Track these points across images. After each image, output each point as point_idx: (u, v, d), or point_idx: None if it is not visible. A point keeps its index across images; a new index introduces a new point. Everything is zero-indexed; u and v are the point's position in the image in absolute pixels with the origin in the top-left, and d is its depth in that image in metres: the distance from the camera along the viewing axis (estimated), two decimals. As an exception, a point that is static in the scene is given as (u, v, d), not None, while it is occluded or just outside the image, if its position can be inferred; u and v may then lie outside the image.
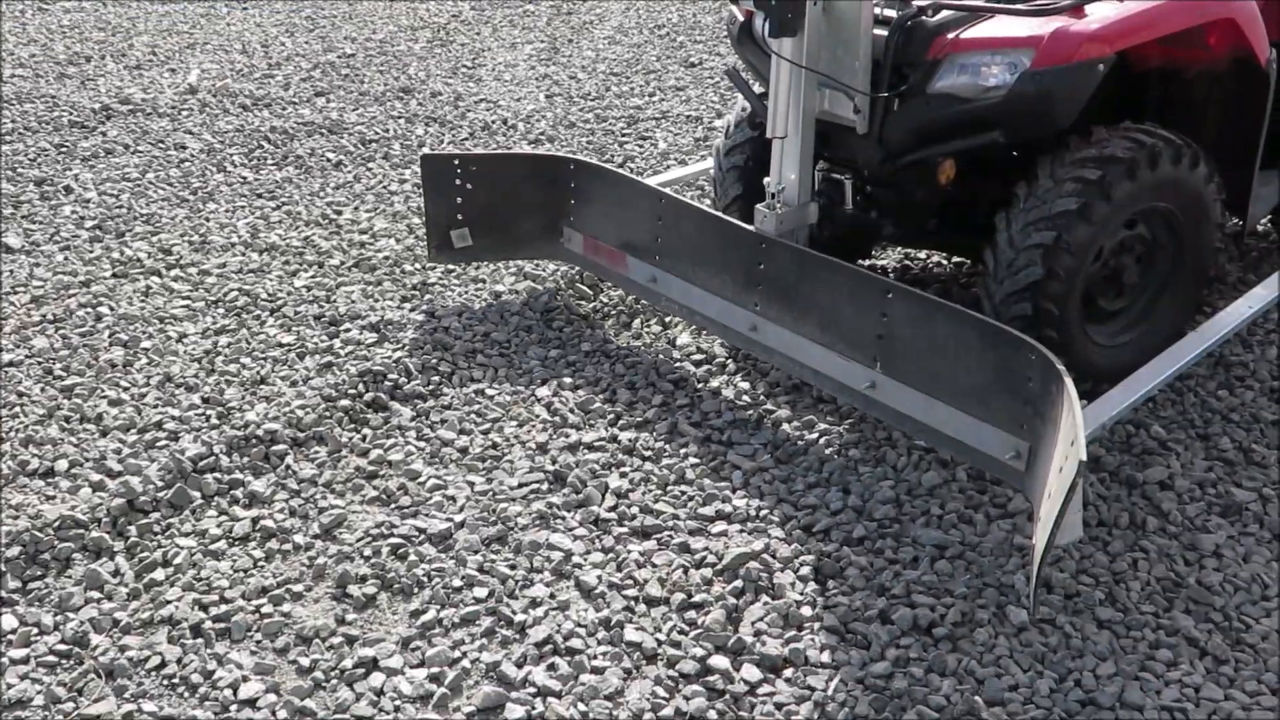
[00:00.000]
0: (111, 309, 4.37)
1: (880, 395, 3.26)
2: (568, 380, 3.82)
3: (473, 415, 3.63)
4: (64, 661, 2.65)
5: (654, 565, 2.96)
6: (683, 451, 3.43)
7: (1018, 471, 2.92)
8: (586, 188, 4.19)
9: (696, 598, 2.83)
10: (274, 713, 2.50)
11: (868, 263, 4.60)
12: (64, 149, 6.18)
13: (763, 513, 3.15)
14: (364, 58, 8.11)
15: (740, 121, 4.21)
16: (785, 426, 3.53)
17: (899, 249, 4.70)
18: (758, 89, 4.04)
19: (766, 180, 3.65)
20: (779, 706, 2.52)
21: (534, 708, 2.51)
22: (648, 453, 3.43)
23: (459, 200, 4.22)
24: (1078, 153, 3.35)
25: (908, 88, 3.43)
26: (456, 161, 4.21)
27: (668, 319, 4.21)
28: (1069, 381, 2.64)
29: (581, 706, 2.51)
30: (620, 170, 4.44)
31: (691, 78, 7.56)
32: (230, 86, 7.29)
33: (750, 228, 3.63)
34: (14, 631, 2.73)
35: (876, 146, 3.55)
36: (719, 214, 3.86)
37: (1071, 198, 3.26)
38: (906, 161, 3.54)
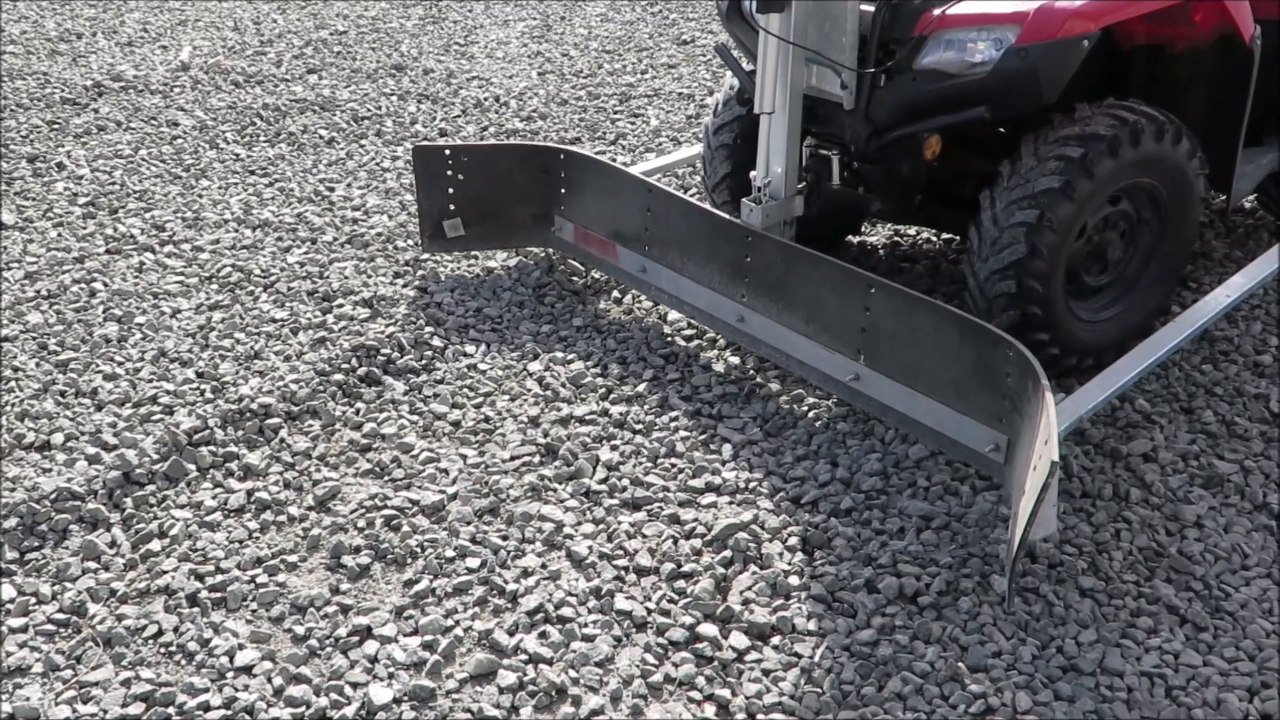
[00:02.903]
0: (105, 285, 4.39)
1: (864, 387, 3.31)
2: (560, 354, 3.85)
3: (465, 389, 3.66)
4: (62, 630, 2.69)
5: (644, 536, 3.00)
6: (673, 425, 3.47)
7: (997, 464, 2.98)
8: (577, 178, 4.22)
9: (686, 567, 2.88)
10: (270, 679, 2.54)
11: (858, 240, 4.64)
12: (56, 126, 6.18)
13: (752, 485, 3.20)
14: (356, 35, 8.10)
15: (729, 100, 4.23)
16: (775, 401, 3.57)
17: (889, 226, 4.74)
18: (747, 66, 4.06)
19: (753, 174, 3.68)
20: (766, 673, 2.57)
21: (526, 674, 2.55)
22: (638, 426, 3.46)
23: (451, 190, 4.26)
24: (1060, 130, 3.37)
25: (894, 64, 3.46)
26: (448, 152, 4.24)
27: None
28: (1044, 380, 2.68)
29: (573, 673, 2.56)
30: (610, 161, 4.46)
31: (684, 55, 7.57)
32: (223, 63, 7.28)
33: (737, 220, 3.68)
34: (12, 601, 2.76)
35: (863, 122, 3.58)
36: (706, 206, 3.90)
37: (1054, 175, 3.29)
38: (893, 137, 3.57)
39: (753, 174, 3.69)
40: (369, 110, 6.44)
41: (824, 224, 4.19)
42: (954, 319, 3.05)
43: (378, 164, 5.64)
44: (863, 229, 4.67)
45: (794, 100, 3.57)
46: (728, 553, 2.92)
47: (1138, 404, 3.55)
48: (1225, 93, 3.74)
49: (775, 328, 3.55)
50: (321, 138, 6.01)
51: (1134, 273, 3.72)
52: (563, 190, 4.28)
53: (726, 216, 3.74)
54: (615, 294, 4.27)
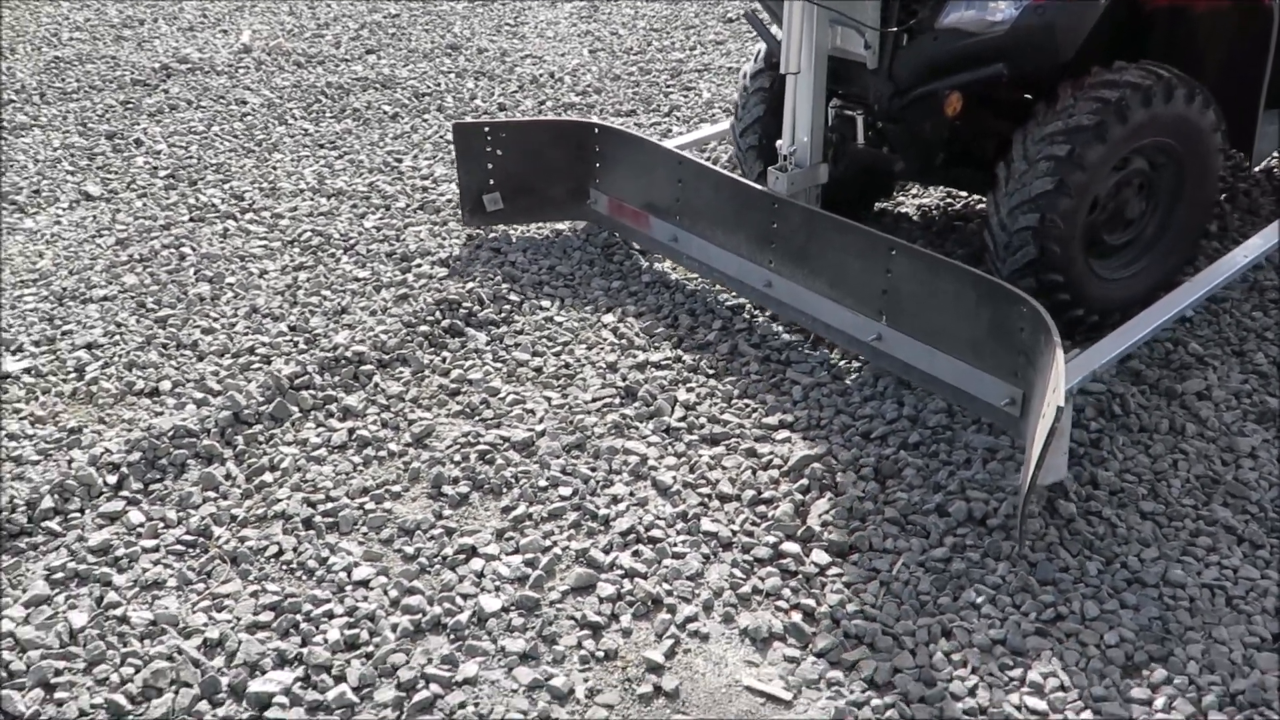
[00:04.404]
0: (193, 249, 4.61)
1: (886, 346, 3.41)
2: (631, 308, 4.03)
3: (544, 339, 3.85)
4: (190, 550, 2.90)
5: (724, 468, 3.18)
6: (744, 369, 3.64)
7: (1013, 417, 3.06)
8: (611, 151, 4.36)
9: (765, 494, 3.05)
10: (386, 592, 2.74)
11: (894, 207, 4.79)
12: (130, 105, 6.42)
13: (822, 422, 3.37)
14: (408, 17, 8.30)
15: (761, 54, 4.38)
16: (839, 349, 3.73)
17: (928, 194, 4.88)
18: (775, 31, 4.20)
19: (779, 142, 3.80)
20: (847, 585, 2.74)
21: (623, 587, 2.73)
22: (711, 371, 3.64)
23: (490, 166, 4.42)
24: (1099, 77, 3.47)
25: (916, 23, 3.58)
26: (487, 129, 4.41)
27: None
28: (1055, 332, 2.77)
29: (666, 586, 2.74)
30: (642, 134, 4.60)
31: (730, 32, 7.72)
32: (284, 46, 7.51)
33: (763, 189, 3.79)
34: (141, 525, 2.98)
35: (886, 81, 3.69)
36: (735, 176, 4.00)
37: (1089, 115, 3.38)
38: (915, 95, 3.66)
39: (779, 143, 3.80)
40: (429, 87, 6.64)
41: (854, 188, 4.32)
42: (971, 278, 3.14)
43: (441, 136, 5.83)
44: (896, 197, 4.82)
45: (819, 61, 3.67)
46: (804, 481, 3.09)
47: (1190, 347, 3.70)
48: (1246, 54, 3.78)
49: (801, 292, 3.65)
50: (386, 113, 6.22)
51: (1153, 232, 3.79)
52: (597, 164, 4.42)
53: (754, 185, 3.86)
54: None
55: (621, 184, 4.35)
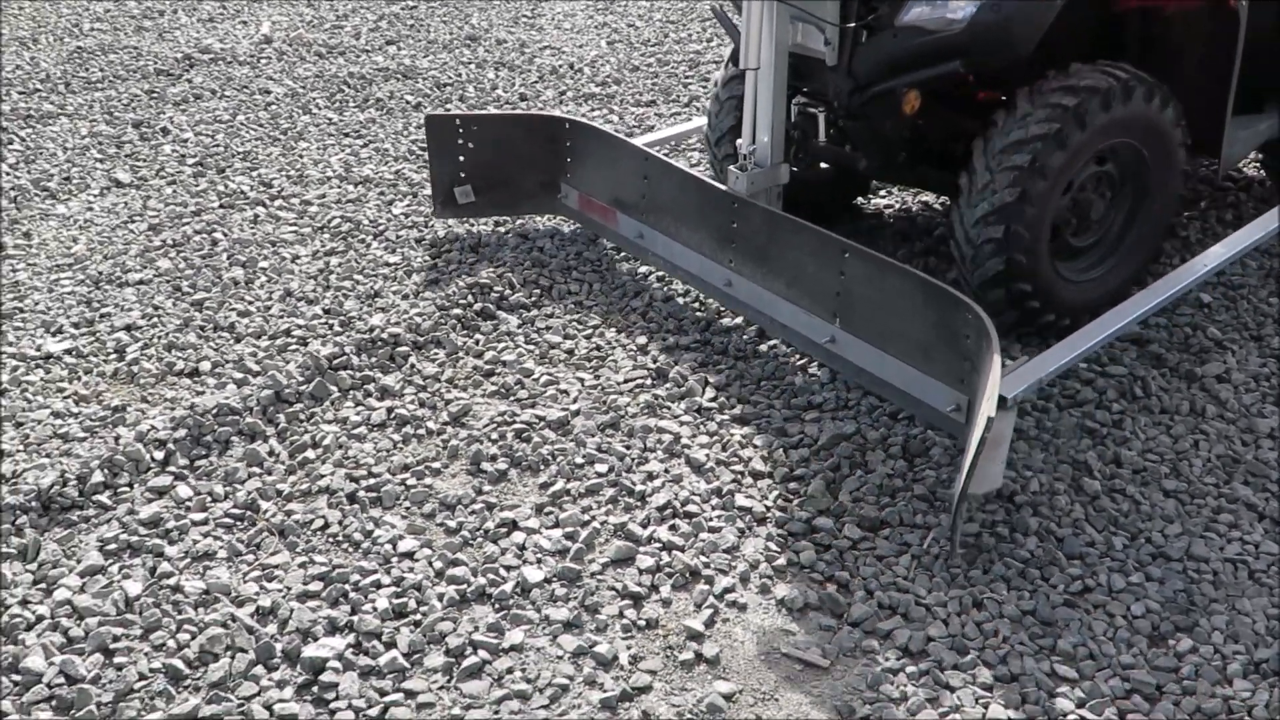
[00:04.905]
0: (225, 234, 4.69)
1: (839, 349, 3.38)
2: (659, 291, 4.11)
3: (575, 322, 3.93)
4: (239, 523, 2.98)
5: (755, 446, 3.25)
6: (771, 352, 3.71)
7: (959, 424, 3.01)
8: (581, 146, 4.34)
9: (797, 472, 3.13)
10: (430, 564, 2.81)
11: (873, 204, 4.84)
12: (155, 94, 6.50)
13: (850, 403, 3.44)
14: (426, 9, 8.37)
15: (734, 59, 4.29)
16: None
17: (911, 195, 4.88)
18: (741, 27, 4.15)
19: (739, 141, 3.75)
20: (880, 558, 2.82)
21: (661, 559, 2.81)
22: (739, 353, 3.72)
23: (461, 159, 4.39)
24: (1055, 82, 3.44)
25: (876, 19, 3.55)
26: (459, 121, 4.38)
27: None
28: (994, 339, 2.75)
29: (703, 558, 2.82)
30: (611, 130, 4.57)
31: (746, 24, 7.78)
32: (304, 36, 7.58)
33: (724, 188, 3.77)
34: (190, 499, 3.06)
35: (845, 78, 3.66)
36: (697, 174, 3.98)
37: (1048, 122, 3.36)
38: (874, 93, 3.63)
39: (739, 141, 3.75)
40: (450, 78, 6.71)
41: (828, 186, 4.33)
42: (919, 282, 3.10)
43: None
44: (874, 194, 4.82)
45: (779, 58, 3.61)
46: (834, 459, 3.17)
47: (1209, 332, 3.77)
48: (1215, 57, 3.75)
49: (760, 292, 3.63)
50: (409, 102, 6.29)
51: (1117, 234, 3.78)
52: (568, 159, 4.39)
53: (715, 184, 3.85)
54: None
55: (591, 179, 4.33)
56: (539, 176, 4.48)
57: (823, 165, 4.19)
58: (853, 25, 3.59)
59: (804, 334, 3.49)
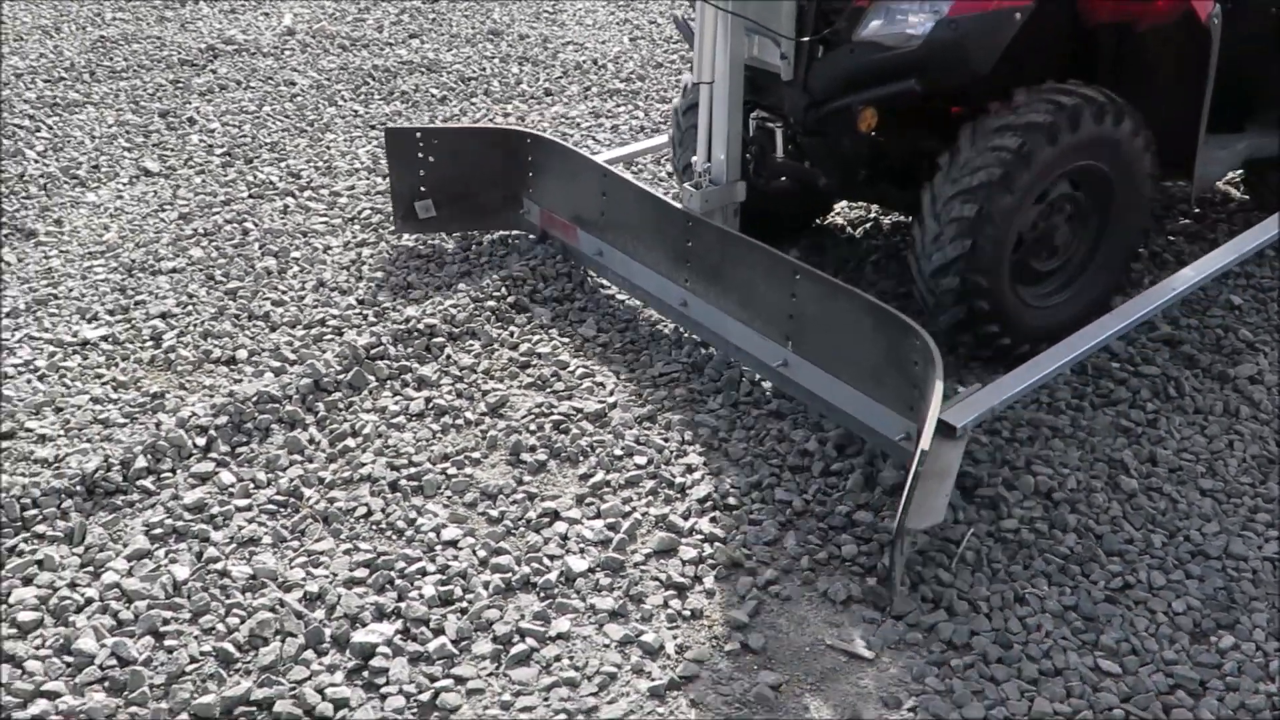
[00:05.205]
0: (256, 224, 4.71)
1: (791, 373, 3.29)
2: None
3: (608, 316, 3.95)
4: (282, 510, 3.00)
5: (792, 441, 3.27)
6: (806, 348, 3.73)
7: (909, 452, 2.82)
8: (542, 161, 4.25)
9: (834, 466, 3.15)
10: (474, 552, 2.83)
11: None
12: (180, 84, 6.52)
13: (886, 399, 3.46)
14: (448, 3, 8.38)
15: (690, 86, 4.09)
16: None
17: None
18: None
19: (694, 158, 3.68)
20: (921, 553, 2.84)
21: (704, 550, 2.83)
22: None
23: (422, 172, 4.31)
24: (998, 119, 3.31)
25: (833, 34, 3.44)
26: (419, 135, 4.31)
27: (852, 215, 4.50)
28: (938, 369, 2.67)
29: (745, 550, 2.84)
30: (571, 145, 4.42)
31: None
32: (327, 29, 7.60)
33: (679, 206, 3.66)
34: (233, 485, 3.08)
35: (801, 93, 3.54)
36: (653, 191, 3.86)
37: (992, 168, 3.24)
38: (830, 109, 3.51)
39: (694, 158, 3.68)
40: (474, 72, 6.73)
41: (792, 202, 4.25)
42: (869, 307, 3.00)
43: (491, 120, 5.93)
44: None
45: (734, 71, 3.50)
46: (871, 453, 3.18)
47: (1240, 334, 3.79)
48: (1188, 74, 3.61)
49: (714, 313, 3.53)
50: (434, 96, 6.31)
51: (1083, 257, 3.66)
52: (530, 174, 4.30)
53: (671, 202, 3.73)
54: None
55: (552, 195, 4.25)
56: (501, 191, 4.38)
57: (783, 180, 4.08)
58: (809, 39, 3.47)
59: (757, 357, 3.40)
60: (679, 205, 3.67)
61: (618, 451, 3.21)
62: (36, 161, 5.37)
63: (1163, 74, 3.71)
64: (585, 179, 4.04)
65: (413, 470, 3.13)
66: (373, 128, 5.84)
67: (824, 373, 3.19)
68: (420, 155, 4.30)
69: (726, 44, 3.47)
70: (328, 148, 5.56)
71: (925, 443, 2.51)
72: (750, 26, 3.50)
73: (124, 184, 5.16)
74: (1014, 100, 3.34)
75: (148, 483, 3.07)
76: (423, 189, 4.35)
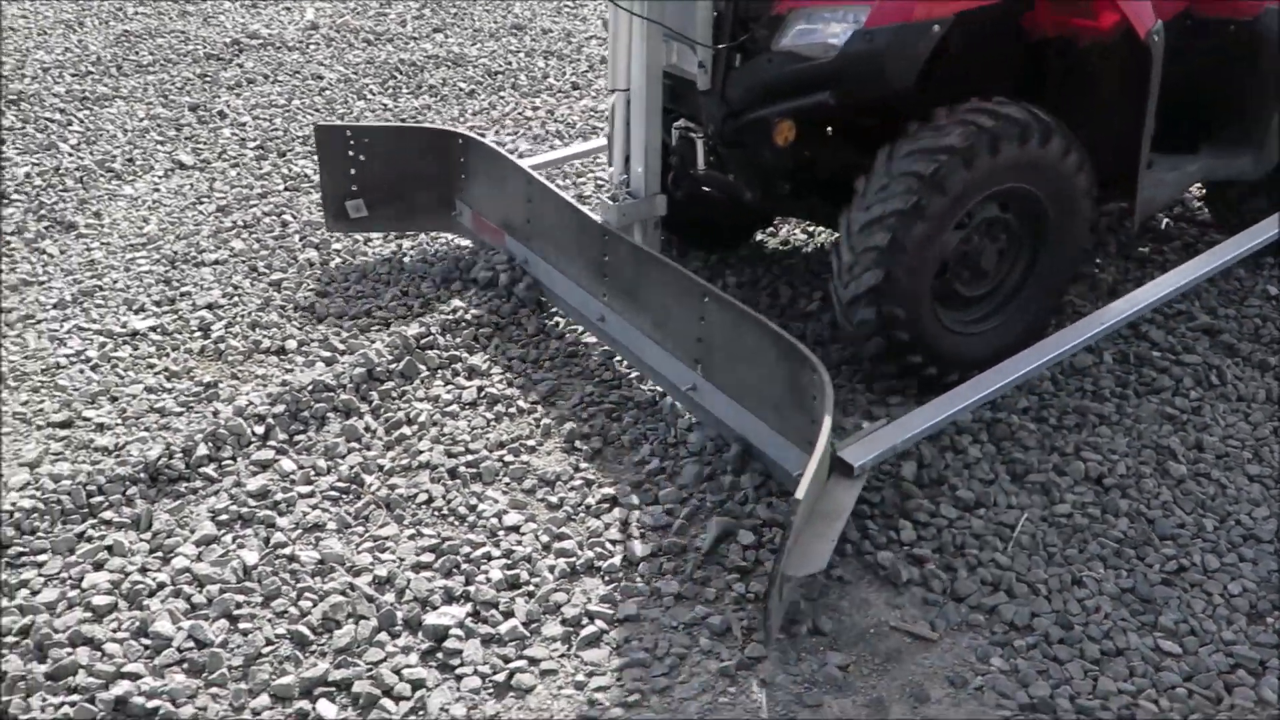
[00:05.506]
0: (294, 217, 4.74)
1: (700, 398, 3.19)
2: (731, 279, 4.16)
3: (651, 306, 3.99)
4: (344, 496, 3.04)
5: (844, 430, 3.31)
6: (850, 337, 3.77)
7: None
8: (474, 164, 4.17)
9: (887, 453, 3.19)
10: (537, 537, 2.88)
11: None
12: (207, 79, 6.55)
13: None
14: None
15: None
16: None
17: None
18: None
19: (609, 170, 3.58)
20: (976, 537, 2.88)
21: (763, 535, 2.87)
22: (817, 340, 3.77)
23: (353, 171, 4.23)
24: (914, 142, 3.15)
25: (751, 43, 3.32)
26: (349, 133, 4.23)
27: (813, 229, 4.54)
28: (827, 411, 2.60)
29: (804, 535, 2.88)
30: (500, 149, 4.24)
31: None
32: (351, 23, 7.63)
33: (596, 218, 3.55)
34: (294, 472, 3.12)
35: (719, 104, 3.40)
36: (573, 201, 3.73)
37: (905, 195, 3.10)
38: (747, 120, 3.38)
39: (609, 170, 3.57)
40: (500, 66, 6.77)
41: (729, 214, 4.16)
42: (772, 336, 2.89)
43: (520, 113, 5.97)
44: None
45: (651, 79, 3.36)
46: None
47: (1279, 323, 3.83)
48: (1129, 92, 3.46)
49: (630, 330, 3.44)
50: (462, 89, 6.35)
51: (1016, 281, 3.49)
52: (462, 175, 4.23)
53: (587, 213, 3.60)
54: (770, 230, 4.57)
55: (482, 198, 4.18)
56: (433, 192, 4.31)
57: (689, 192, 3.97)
58: (725, 47, 3.34)
59: (669, 379, 3.31)
60: (597, 218, 3.55)
61: (671, 439, 3.25)
62: (71, 155, 5.41)
63: (1105, 91, 3.57)
64: (512, 184, 3.94)
65: (470, 457, 3.17)
66: (402, 121, 5.88)
67: (731, 401, 3.08)
68: (351, 154, 4.22)
69: (643, 50, 3.33)
70: (360, 141, 5.59)
71: (800, 490, 2.41)
72: (666, 33, 3.34)
73: (159, 177, 5.20)
74: (935, 119, 3.19)
75: (210, 470, 3.11)
76: (354, 188, 4.26)
